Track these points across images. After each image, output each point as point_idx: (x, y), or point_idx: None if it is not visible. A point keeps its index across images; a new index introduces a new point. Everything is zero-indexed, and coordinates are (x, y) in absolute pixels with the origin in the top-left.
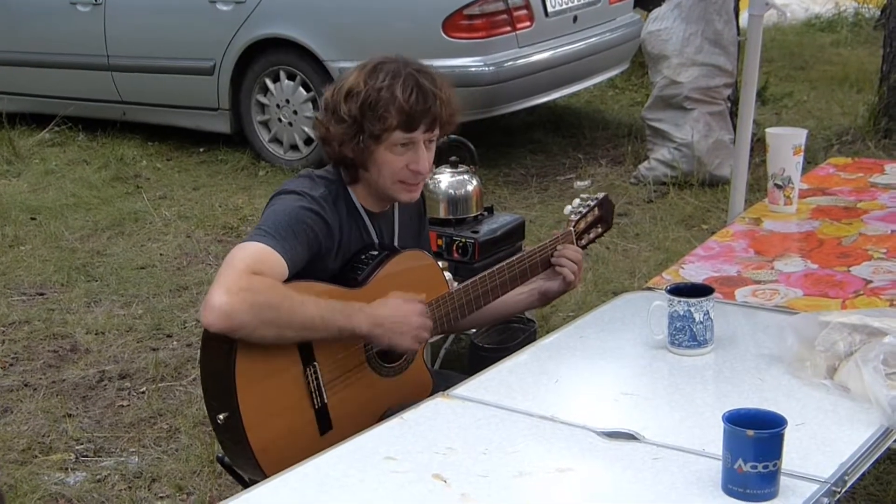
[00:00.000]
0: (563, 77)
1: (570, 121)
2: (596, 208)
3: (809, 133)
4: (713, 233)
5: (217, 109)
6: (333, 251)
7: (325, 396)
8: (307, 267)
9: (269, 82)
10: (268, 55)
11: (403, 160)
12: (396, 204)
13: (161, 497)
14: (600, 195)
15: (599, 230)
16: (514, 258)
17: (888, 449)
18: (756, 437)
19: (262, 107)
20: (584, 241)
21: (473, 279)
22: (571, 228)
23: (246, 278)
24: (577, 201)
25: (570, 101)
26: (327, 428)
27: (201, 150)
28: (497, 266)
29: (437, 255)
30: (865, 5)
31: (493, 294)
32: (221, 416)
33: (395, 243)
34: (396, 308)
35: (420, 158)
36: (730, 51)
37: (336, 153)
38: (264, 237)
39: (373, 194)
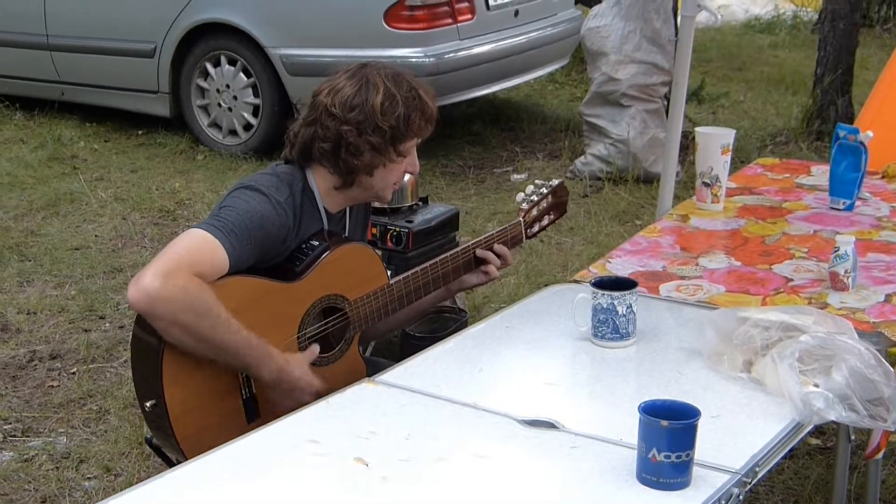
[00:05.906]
0: (504, 70)
1: (509, 114)
2: (550, 196)
3: (738, 133)
4: None
5: (157, 92)
6: (284, 255)
7: (253, 388)
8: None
9: (209, 67)
10: (209, 39)
11: (405, 165)
12: None
13: (88, 478)
14: (555, 182)
15: (552, 217)
16: (450, 253)
17: (801, 441)
18: (670, 428)
19: (202, 91)
20: (535, 229)
21: (413, 271)
22: (521, 219)
23: (185, 276)
24: (530, 188)
25: (509, 94)
26: (255, 417)
27: (140, 132)
28: (433, 261)
29: (371, 244)
30: (804, 8)
31: (434, 286)
32: (148, 404)
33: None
34: (303, 375)
35: (416, 160)
36: (667, 49)
37: (350, 164)
38: (218, 231)
39: (351, 197)
